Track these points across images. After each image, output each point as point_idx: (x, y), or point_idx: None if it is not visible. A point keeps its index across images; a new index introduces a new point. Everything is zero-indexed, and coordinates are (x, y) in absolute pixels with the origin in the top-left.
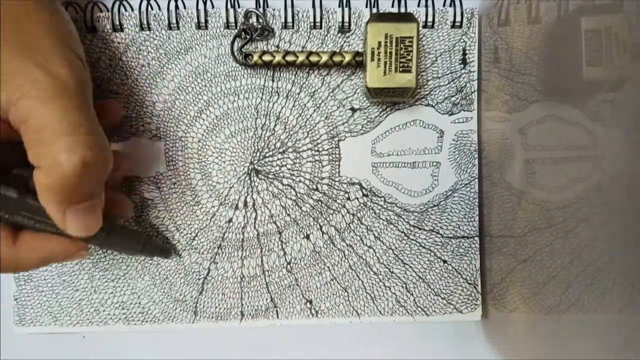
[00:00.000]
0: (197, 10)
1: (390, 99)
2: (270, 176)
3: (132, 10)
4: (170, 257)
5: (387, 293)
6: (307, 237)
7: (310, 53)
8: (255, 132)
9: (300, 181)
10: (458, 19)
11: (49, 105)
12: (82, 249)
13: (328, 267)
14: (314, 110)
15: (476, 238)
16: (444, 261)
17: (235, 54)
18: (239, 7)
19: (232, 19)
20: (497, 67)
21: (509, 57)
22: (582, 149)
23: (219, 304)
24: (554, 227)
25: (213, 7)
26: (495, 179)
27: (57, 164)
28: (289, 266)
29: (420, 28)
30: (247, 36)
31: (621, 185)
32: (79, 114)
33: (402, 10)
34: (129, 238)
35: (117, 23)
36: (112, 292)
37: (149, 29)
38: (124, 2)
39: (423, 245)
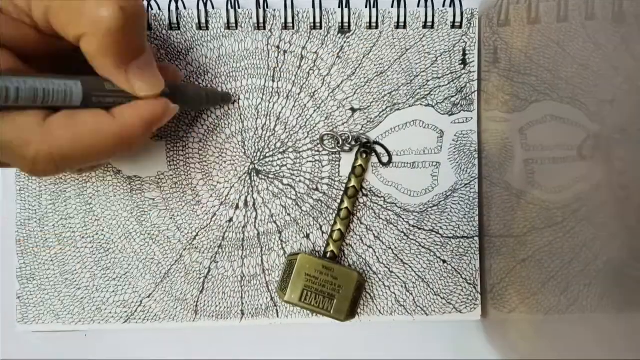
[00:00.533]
0: (198, 10)
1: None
2: (270, 176)
3: None
4: (231, 101)
5: (386, 293)
6: (307, 236)
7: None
8: (256, 132)
9: (300, 181)
10: (458, 19)
11: None
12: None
13: None
14: (314, 111)
15: (476, 238)
16: (444, 261)
17: None
18: (239, 7)
19: (232, 20)
20: (496, 67)
21: (509, 57)
22: (581, 148)
23: (220, 303)
24: (553, 227)
25: (213, 7)
26: (494, 179)
27: (98, 22)
28: None
29: (421, 28)
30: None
31: (620, 185)
32: None
33: (402, 10)
34: (191, 91)
35: None
36: (113, 291)
37: (149, 29)
38: None
39: (423, 245)
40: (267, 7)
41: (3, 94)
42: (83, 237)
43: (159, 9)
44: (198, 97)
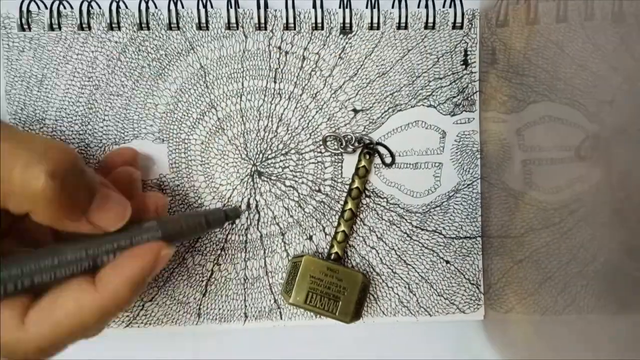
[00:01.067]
0: (198, 10)
1: None
2: (273, 178)
3: (100, 8)
4: (241, 214)
5: (390, 293)
6: (310, 238)
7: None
8: (258, 134)
9: (302, 182)
10: (459, 19)
11: None
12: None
13: None
14: (317, 112)
15: (479, 238)
16: (447, 262)
17: None
18: (238, 7)
19: (233, 20)
20: (495, 68)
21: (507, 57)
22: (579, 149)
23: (223, 306)
24: (550, 228)
25: (212, 7)
26: (493, 179)
27: (34, 197)
28: None
29: (422, 29)
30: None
31: (618, 185)
32: (16, 135)
33: (403, 11)
34: (186, 220)
35: (115, 22)
36: None
37: (148, 28)
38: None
39: (426, 245)
40: (268, 8)
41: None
42: None
43: (155, 7)
44: (196, 227)
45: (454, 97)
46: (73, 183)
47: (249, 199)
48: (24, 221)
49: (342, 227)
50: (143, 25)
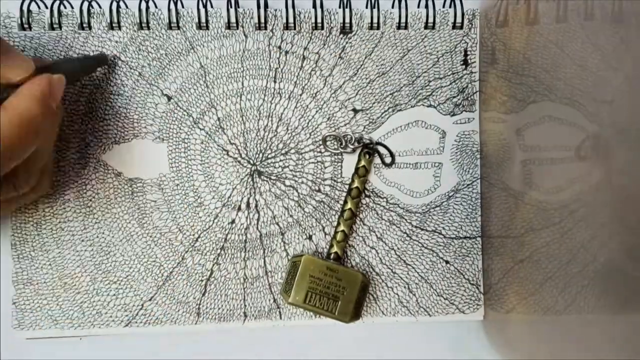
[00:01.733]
0: (198, 9)
1: None
2: (272, 177)
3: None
4: (107, 62)
5: (389, 293)
6: (310, 237)
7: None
8: (258, 134)
9: (302, 182)
10: (459, 20)
11: None
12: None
13: None
14: (316, 112)
15: (478, 238)
16: (447, 262)
17: None
18: (238, 7)
19: (233, 20)
20: (494, 68)
21: (507, 58)
22: (579, 149)
23: (222, 305)
24: (551, 228)
25: (212, 6)
26: (493, 179)
27: None
28: None
29: (422, 29)
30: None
31: (618, 186)
32: None
33: (403, 11)
34: (63, 63)
35: (115, 21)
36: (114, 294)
37: (148, 28)
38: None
39: (425, 245)
40: (268, 7)
41: None
42: (83, 240)
43: (155, 6)
44: (72, 67)
45: (454, 97)
46: None
47: (248, 199)
48: None
49: (341, 227)
50: (143, 25)
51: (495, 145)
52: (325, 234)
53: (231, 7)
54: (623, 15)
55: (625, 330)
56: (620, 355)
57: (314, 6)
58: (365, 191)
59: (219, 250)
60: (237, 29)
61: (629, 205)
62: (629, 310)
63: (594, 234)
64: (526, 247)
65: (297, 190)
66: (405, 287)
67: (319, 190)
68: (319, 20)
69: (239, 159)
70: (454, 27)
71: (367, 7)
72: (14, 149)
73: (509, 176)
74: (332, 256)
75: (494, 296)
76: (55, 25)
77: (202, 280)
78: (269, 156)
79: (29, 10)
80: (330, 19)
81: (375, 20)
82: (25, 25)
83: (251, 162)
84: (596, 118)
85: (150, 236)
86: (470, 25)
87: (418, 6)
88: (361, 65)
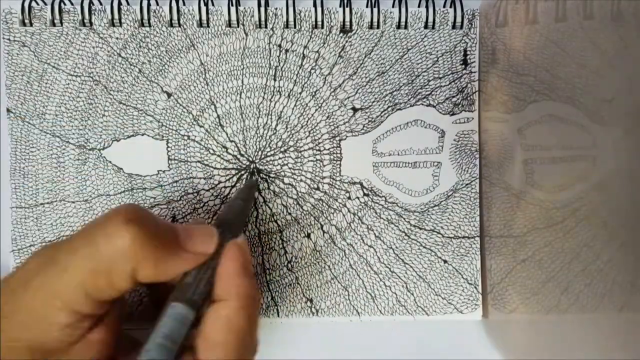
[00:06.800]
0: (199, 7)
1: None
2: (271, 175)
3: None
4: (257, 184)
5: (387, 292)
6: (308, 236)
7: None
8: (257, 132)
9: (301, 180)
10: (459, 19)
11: None
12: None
13: (329, 266)
14: (316, 110)
15: (477, 238)
16: (445, 261)
17: None
18: (239, 5)
19: (233, 18)
20: (495, 67)
21: (507, 57)
22: (581, 148)
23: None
24: (553, 227)
25: (213, 4)
26: (494, 179)
27: (119, 248)
28: (289, 265)
29: (422, 29)
30: None
31: (620, 184)
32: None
33: (403, 10)
34: (234, 212)
35: (116, 18)
36: None
37: (149, 25)
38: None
39: (424, 245)
40: (268, 6)
41: None
42: None
43: (157, 3)
44: (243, 212)
45: (453, 96)
46: (151, 221)
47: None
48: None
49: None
50: (144, 22)
51: (496, 144)
52: (324, 232)
53: (232, 5)
54: (622, 14)
55: (629, 330)
56: (623, 355)
57: (315, 5)
58: (364, 189)
59: None
60: (238, 27)
61: (630, 205)
62: (631, 309)
63: (596, 233)
64: (528, 247)
65: (295, 188)
66: (403, 286)
67: (318, 189)
68: (319, 19)
69: (238, 156)
70: (453, 26)
71: (367, 7)
72: (252, 340)
73: (510, 176)
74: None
75: (497, 296)
76: (56, 22)
77: None
78: (268, 154)
79: (30, 7)
80: (331, 17)
81: (375, 20)
82: (27, 21)
83: (250, 159)
84: (597, 117)
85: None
86: (470, 25)
87: (418, 6)
88: (361, 64)
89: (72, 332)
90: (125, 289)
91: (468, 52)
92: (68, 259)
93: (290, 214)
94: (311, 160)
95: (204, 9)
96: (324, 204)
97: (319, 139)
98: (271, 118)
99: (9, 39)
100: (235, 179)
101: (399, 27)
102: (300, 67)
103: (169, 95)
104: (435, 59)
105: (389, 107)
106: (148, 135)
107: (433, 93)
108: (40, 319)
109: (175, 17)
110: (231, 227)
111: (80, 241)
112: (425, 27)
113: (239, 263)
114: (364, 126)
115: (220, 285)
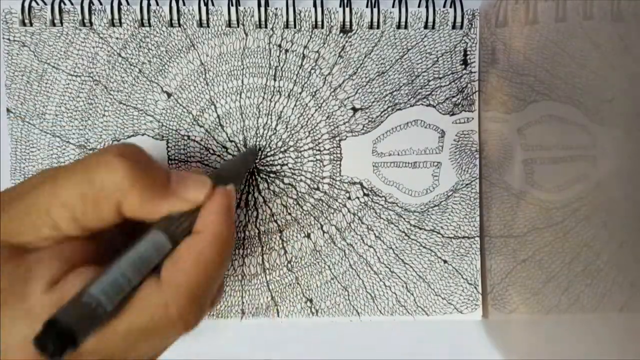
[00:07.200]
0: (199, 7)
1: None
2: (271, 175)
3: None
4: (258, 153)
5: (387, 292)
6: (308, 236)
7: None
8: (257, 132)
9: (301, 180)
10: (459, 20)
11: None
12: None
13: (328, 266)
14: (316, 110)
15: (477, 238)
16: (445, 261)
17: None
18: (239, 5)
19: (233, 18)
20: (495, 67)
21: (507, 57)
22: (581, 148)
23: (220, 302)
24: (553, 227)
25: (213, 4)
26: (494, 179)
27: (112, 179)
28: (289, 265)
29: (422, 29)
30: None
31: (620, 184)
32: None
33: (403, 10)
34: (227, 169)
35: (116, 18)
36: None
37: (149, 25)
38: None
39: (424, 245)
40: (269, 6)
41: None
42: None
43: (157, 3)
44: (237, 170)
45: (453, 96)
46: (144, 160)
47: (247, 196)
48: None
49: None
50: (144, 22)
51: (496, 144)
52: (324, 232)
53: (232, 5)
54: (622, 14)
55: (630, 330)
56: (624, 355)
57: (315, 5)
58: (364, 189)
59: None
60: (238, 27)
61: (630, 204)
62: (632, 309)
63: (596, 233)
64: (528, 247)
65: (295, 188)
66: (403, 286)
67: (318, 189)
68: (319, 19)
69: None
70: (453, 26)
71: (367, 7)
72: (217, 278)
73: (510, 176)
74: None
75: (497, 296)
76: (56, 22)
77: None
78: (268, 154)
79: (30, 7)
80: (331, 17)
81: (375, 20)
82: (27, 21)
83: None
84: (597, 116)
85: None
86: (470, 25)
87: (418, 6)
88: (361, 64)
89: (52, 243)
90: (108, 220)
91: (468, 52)
92: (63, 181)
93: (290, 214)
94: (311, 160)
95: (204, 9)
96: (324, 204)
97: (319, 139)
98: (271, 118)
99: (9, 39)
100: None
101: (399, 27)
102: (300, 67)
103: (169, 95)
104: (435, 59)
105: (389, 107)
106: (148, 135)
107: (433, 93)
108: (27, 229)
109: (175, 17)
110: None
111: (77, 167)
112: (425, 27)
113: (221, 203)
114: (364, 126)
115: (199, 221)
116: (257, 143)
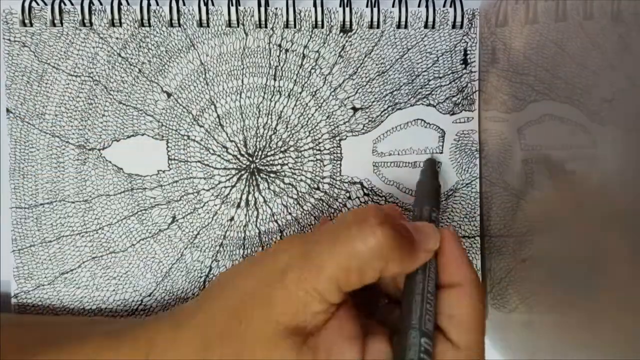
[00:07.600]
0: (199, 7)
1: None
2: (271, 175)
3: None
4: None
5: None
6: None
7: None
8: (257, 131)
9: (301, 180)
10: (459, 19)
11: None
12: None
13: None
14: (316, 110)
15: (477, 238)
16: None
17: None
18: (239, 5)
19: (233, 17)
20: (495, 67)
21: (507, 57)
22: (581, 148)
23: None
24: (553, 227)
25: (213, 4)
26: (494, 178)
27: (373, 245)
28: None
29: (422, 28)
30: None
31: (620, 184)
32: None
33: (403, 10)
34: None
35: (116, 18)
36: (114, 290)
37: (149, 25)
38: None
39: None
40: (269, 6)
41: None
42: (82, 236)
43: (157, 3)
44: (435, 190)
45: (454, 96)
46: (397, 222)
47: (247, 196)
48: None
49: None
50: (144, 22)
51: (496, 144)
52: None
53: (232, 5)
54: (622, 14)
55: (628, 330)
56: (623, 355)
57: (315, 5)
58: (364, 189)
59: (217, 247)
60: (238, 27)
61: (630, 204)
62: (631, 309)
63: (596, 233)
64: (528, 246)
65: (296, 188)
66: None
67: (318, 188)
68: (319, 18)
69: (238, 156)
70: (453, 26)
71: (367, 6)
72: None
73: (510, 175)
74: None
75: (497, 296)
76: (56, 22)
77: (200, 277)
78: (268, 154)
79: (30, 7)
80: (331, 17)
81: (375, 19)
82: (27, 22)
83: (250, 159)
84: (597, 116)
85: (150, 232)
86: (470, 25)
87: (418, 5)
88: (361, 64)
89: (322, 317)
90: (368, 282)
91: (468, 52)
92: (322, 257)
93: (290, 213)
94: (311, 160)
95: (204, 9)
96: (324, 204)
97: (319, 138)
98: (271, 118)
99: (9, 39)
100: (235, 179)
101: (399, 26)
102: (300, 67)
103: (169, 95)
104: (436, 58)
105: (389, 106)
106: (148, 135)
107: (433, 93)
108: (299, 307)
109: (175, 17)
110: (430, 214)
111: (332, 239)
112: (425, 26)
113: (460, 248)
114: (364, 126)
115: (449, 271)
116: (433, 156)
